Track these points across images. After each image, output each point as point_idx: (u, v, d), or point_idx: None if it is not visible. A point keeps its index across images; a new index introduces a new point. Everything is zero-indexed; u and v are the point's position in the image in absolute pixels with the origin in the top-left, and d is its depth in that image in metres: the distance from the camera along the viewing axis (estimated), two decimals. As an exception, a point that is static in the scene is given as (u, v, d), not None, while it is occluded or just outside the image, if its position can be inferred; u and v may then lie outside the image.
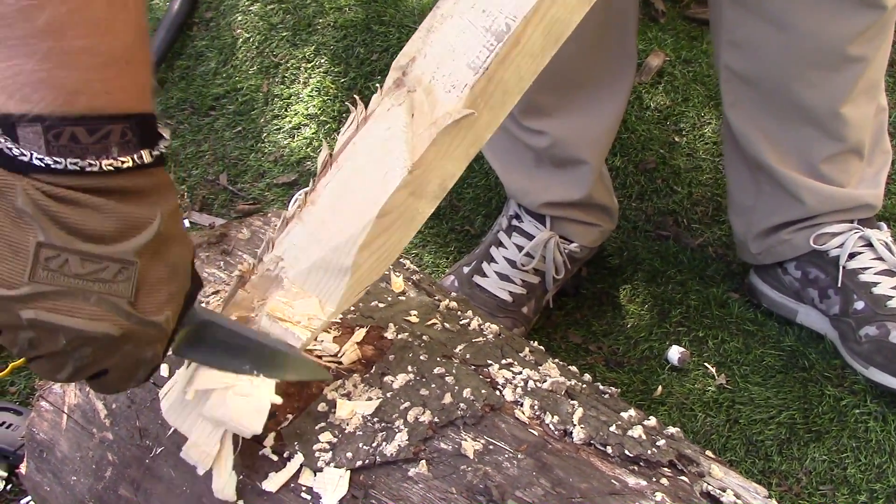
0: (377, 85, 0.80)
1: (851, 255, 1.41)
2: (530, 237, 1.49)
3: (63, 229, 0.63)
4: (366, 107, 0.78)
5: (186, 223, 1.02)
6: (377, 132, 0.76)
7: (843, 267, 1.41)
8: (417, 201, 0.78)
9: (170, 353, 0.74)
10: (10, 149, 0.62)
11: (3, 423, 1.32)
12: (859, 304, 1.40)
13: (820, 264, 1.44)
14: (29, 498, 1.25)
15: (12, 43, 0.60)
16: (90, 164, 0.63)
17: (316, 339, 0.87)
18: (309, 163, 1.83)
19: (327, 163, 0.78)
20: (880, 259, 1.41)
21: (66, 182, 0.63)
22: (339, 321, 0.89)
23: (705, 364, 1.46)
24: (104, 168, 0.64)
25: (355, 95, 0.81)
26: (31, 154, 0.62)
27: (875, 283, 1.40)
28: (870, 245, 1.42)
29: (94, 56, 0.62)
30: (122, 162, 0.64)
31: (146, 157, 0.65)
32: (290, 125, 1.90)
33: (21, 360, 1.37)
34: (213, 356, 0.77)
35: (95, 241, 0.64)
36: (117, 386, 0.73)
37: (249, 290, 0.80)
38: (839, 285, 1.42)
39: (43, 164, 0.62)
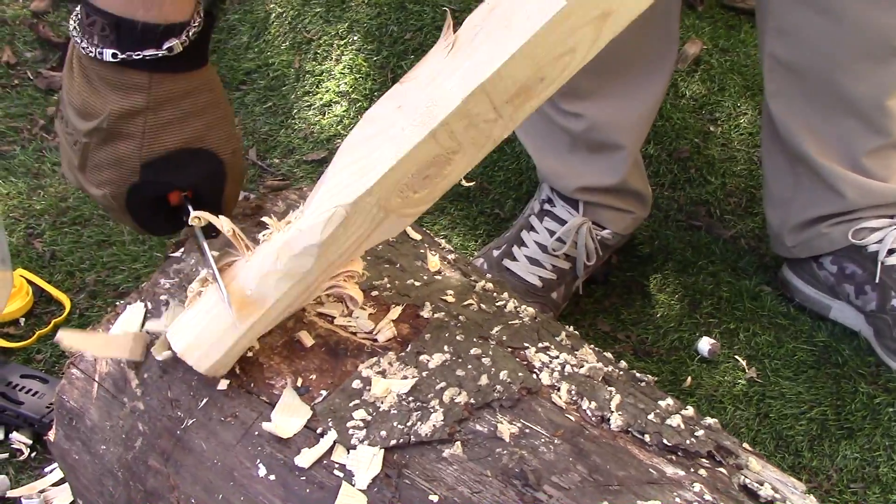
0: (414, 63, 0.78)
1: (891, 251, 1.39)
2: (562, 222, 1.47)
3: (65, 93, 0.80)
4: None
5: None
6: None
7: (882, 263, 1.39)
8: (403, 119, 0.75)
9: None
10: (78, 15, 0.78)
11: (30, 390, 1.32)
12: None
13: (857, 259, 1.42)
14: (54, 465, 1.25)
15: None
16: (83, 42, 0.76)
17: (350, 316, 0.86)
18: (339, 140, 1.82)
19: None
20: None
21: (79, 52, 0.78)
22: (375, 298, 0.88)
23: (736, 357, 1.44)
24: (83, 49, 0.76)
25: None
26: (72, 23, 0.78)
27: None
28: None
29: None
30: (88, 51, 0.76)
31: (107, 55, 0.75)
32: (321, 102, 1.88)
33: (48, 328, 1.37)
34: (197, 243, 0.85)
35: (73, 110, 0.79)
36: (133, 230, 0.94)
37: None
38: (876, 281, 1.39)
39: (69, 30, 0.78)
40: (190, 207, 0.83)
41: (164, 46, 0.75)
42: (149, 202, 0.83)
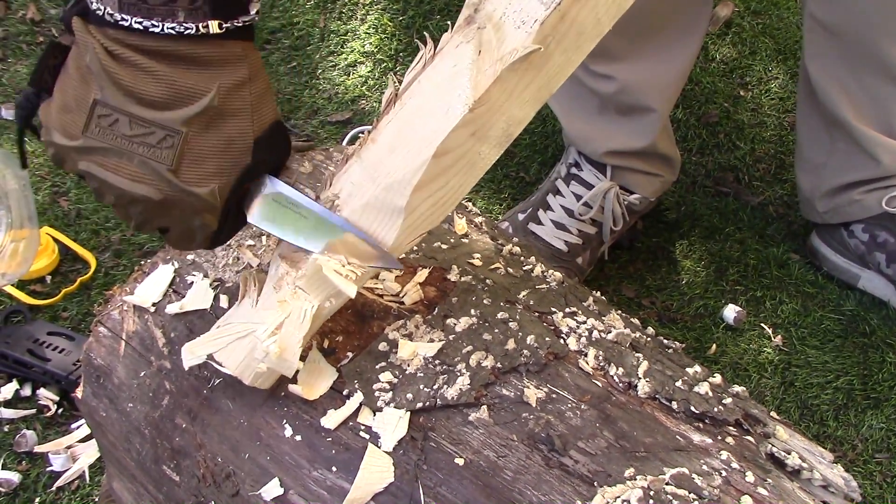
0: (440, 24, 0.76)
1: None
2: (590, 186, 1.46)
3: (119, 90, 0.66)
4: (435, 45, 0.75)
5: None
6: (443, 70, 0.73)
7: None
8: (480, 144, 0.74)
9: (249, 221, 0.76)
10: (92, 1, 0.65)
11: (56, 347, 1.33)
12: None
13: (890, 228, 1.40)
14: (81, 422, 1.27)
15: None
16: (153, 25, 0.65)
17: (377, 278, 0.86)
18: (364, 101, 1.81)
19: (391, 100, 0.75)
20: None
21: (133, 41, 0.65)
22: (401, 261, 0.87)
23: (762, 325, 1.43)
24: (166, 30, 0.65)
25: (425, 33, 0.77)
26: (105, 8, 0.65)
27: None
28: None
29: None
30: (186, 28, 0.65)
31: (213, 27, 0.66)
32: (346, 62, 1.87)
33: (74, 286, 1.38)
34: (281, 227, 0.75)
35: (147, 106, 0.67)
36: (180, 245, 0.77)
37: None
38: None
39: (112, 20, 0.65)
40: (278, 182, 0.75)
41: (252, 11, 0.68)
42: (242, 195, 0.73)
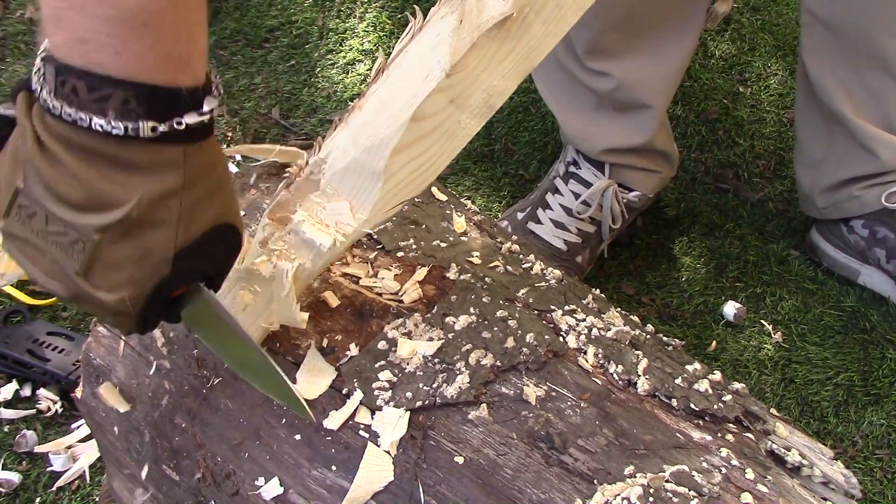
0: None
1: None
2: (588, 185, 1.46)
3: (40, 183, 0.62)
4: (424, 17, 0.75)
5: (233, 167, 0.97)
6: (427, 39, 0.73)
7: None
8: (459, 112, 0.74)
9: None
10: (33, 78, 0.61)
11: (56, 347, 1.33)
12: None
13: (890, 224, 1.40)
14: (81, 422, 1.27)
15: None
16: (81, 119, 0.59)
17: (376, 276, 0.86)
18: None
19: (380, 70, 0.76)
20: None
21: (62, 132, 0.60)
22: (400, 259, 0.87)
23: (762, 321, 1.43)
24: (94, 126, 0.59)
25: (415, 6, 0.78)
26: (42, 91, 0.60)
27: None
28: None
29: (106, 6, 0.57)
30: (113, 128, 0.59)
31: (145, 130, 0.60)
32: (345, 60, 1.87)
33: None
34: (211, 341, 0.73)
35: (64, 205, 0.62)
36: (115, 329, 0.73)
37: (293, 191, 0.78)
38: None
39: (48, 104, 0.60)
40: (206, 289, 0.70)
41: (205, 109, 0.62)
42: (165, 298, 0.67)
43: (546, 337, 0.80)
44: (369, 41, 1.88)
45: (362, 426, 0.75)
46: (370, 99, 0.75)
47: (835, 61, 1.31)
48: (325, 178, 0.76)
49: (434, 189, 0.99)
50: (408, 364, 0.78)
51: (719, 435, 0.77)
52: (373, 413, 0.75)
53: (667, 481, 0.70)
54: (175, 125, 0.61)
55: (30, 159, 0.62)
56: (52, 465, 1.24)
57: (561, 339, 0.82)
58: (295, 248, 0.78)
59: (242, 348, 0.71)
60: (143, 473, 0.87)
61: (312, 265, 0.77)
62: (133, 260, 0.64)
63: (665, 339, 0.90)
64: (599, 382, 0.79)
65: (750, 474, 0.73)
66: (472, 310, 0.82)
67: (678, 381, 0.80)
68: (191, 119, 0.61)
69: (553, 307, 0.85)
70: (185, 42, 0.60)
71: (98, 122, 0.59)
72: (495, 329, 0.80)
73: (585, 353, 0.81)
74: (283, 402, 0.73)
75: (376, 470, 0.73)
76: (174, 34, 0.59)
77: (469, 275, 0.86)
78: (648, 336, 0.88)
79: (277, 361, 0.80)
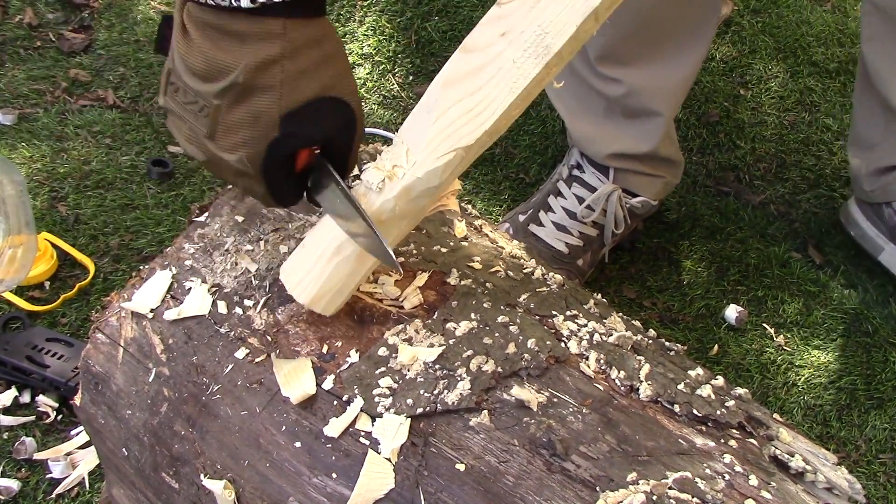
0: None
1: None
2: (592, 189, 1.45)
3: (181, 61, 0.73)
4: None
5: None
6: None
7: None
8: (512, 49, 0.70)
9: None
10: None
11: (55, 353, 1.32)
12: None
13: None
14: (80, 428, 1.26)
15: None
16: None
17: (376, 282, 0.85)
18: (363, 104, 1.79)
19: None
20: None
21: (196, 13, 0.71)
22: (401, 265, 0.87)
23: (763, 325, 1.42)
24: (209, 2, 0.69)
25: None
26: None
27: None
28: None
29: None
30: (220, 1, 0.68)
31: (244, 1, 0.68)
32: (344, 65, 1.86)
33: (72, 291, 1.37)
34: (328, 207, 0.79)
35: (195, 77, 0.73)
36: (257, 198, 0.81)
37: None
38: None
39: None
40: (325, 162, 0.79)
41: None
42: (284, 162, 0.76)
43: (548, 342, 0.80)
44: (369, 45, 1.87)
45: (363, 433, 0.74)
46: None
47: (892, 49, 1.33)
48: (399, 129, 0.77)
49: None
50: (408, 370, 0.77)
51: (722, 441, 0.77)
52: (373, 420, 0.75)
53: (670, 488, 0.69)
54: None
55: (175, 43, 0.73)
56: (51, 472, 1.23)
57: (563, 344, 0.81)
58: (360, 195, 0.77)
59: (357, 222, 0.77)
60: (142, 481, 0.87)
61: (370, 209, 0.76)
62: (246, 122, 0.73)
63: (667, 344, 0.89)
64: (601, 388, 0.78)
65: (753, 480, 0.72)
66: (472, 315, 0.81)
67: (681, 386, 0.80)
68: None
69: (554, 312, 0.85)
70: None
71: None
72: (496, 335, 0.80)
73: (587, 358, 0.80)
74: (384, 262, 0.79)
75: (377, 477, 0.72)
76: None
77: (470, 280, 0.86)
78: (650, 341, 0.87)
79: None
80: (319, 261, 0.78)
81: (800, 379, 1.35)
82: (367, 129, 1.73)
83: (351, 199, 0.77)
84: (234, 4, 0.69)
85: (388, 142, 1.70)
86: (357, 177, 0.83)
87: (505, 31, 0.71)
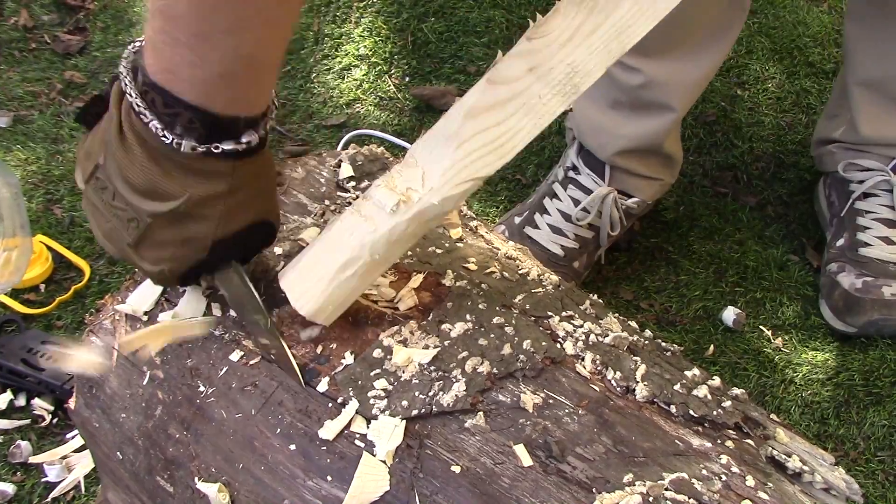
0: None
1: (865, 195, 1.45)
2: (587, 191, 1.44)
3: (114, 165, 0.74)
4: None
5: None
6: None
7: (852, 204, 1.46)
8: (540, 85, 0.70)
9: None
10: (121, 72, 0.72)
11: (51, 357, 1.32)
12: (840, 241, 1.44)
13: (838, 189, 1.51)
14: (76, 432, 1.25)
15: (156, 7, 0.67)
16: (155, 127, 0.71)
17: (373, 285, 0.85)
18: (359, 105, 1.80)
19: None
20: (891, 207, 1.43)
21: (139, 127, 0.71)
22: (396, 266, 0.86)
23: (761, 327, 1.42)
24: (158, 134, 0.71)
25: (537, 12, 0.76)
26: (129, 88, 0.71)
27: (866, 228, 1.43)
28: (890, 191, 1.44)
29: (195, 64, 0.68)
30: (164, 138, 0.71)
31: (185, 147, 0.71)
32: (341, 66, 1.86)
33: (68, 294, 1.37)
34: (230, 292, 0.82)
35: (129, 188, 0.74)
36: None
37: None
38: (842, 215, 1.47)
39: (132, 102, 0.71)
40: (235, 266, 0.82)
41: (244, 140, 0.73)
42: (201, 273, 0.81)
43: (543, 343, 0.79)
44: (365, 46, 1.87)
45: (358, 435, 0.74)
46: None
47: (871, 27, 1.39)
48: (412, 149, 0.75)
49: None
50: (403, 372, 0.77)
51: (719, 441, 0.76)
52: (368, 422, 0.75)
53: (666, 489, 0.69)
54: (228, 147, 0.72)
55: (111, 143, 0.74)
56: (46, 476, 1.22)
57: (558, 345, 0.81)
58: (368, 213, 0.76)
59: (256, 312, 0.81)
60: (137, 485, 0.86)
61: (376, 230, 0.75)
62: (176, 243, 0.76)
63: (663, 344, 0.89)
64: (597, 389, 0.78)
65: (750, 481, 0.72)
66: (468, 317, 0.81)
67: (677, 387, 0.79)
68: (246, 138, 0.73)
69: (550, 313, 0.84)
70: (257, 93, 0.73)
71: (159, 132, 0.71)
72: (492, 336, 0.79)
73: (583, 359, 0.80)
74: (281, 366, 0.80)
75: (372, 480, 0.72)
76: (248, 87, 0.71)
77: (465, 281, 0.86)
78: (647, 342, 0.87)
79: (272, 370, 0.80)
80: (324, 277, 0.78)
81: (797, 376, 1.34)
82: (362, 131, 1.73)
83: (257, 302, 0.81)
84: (176, 147, 0.71)
85: (383, 143, 1.70)
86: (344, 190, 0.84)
87: (533, 67, 0.71)
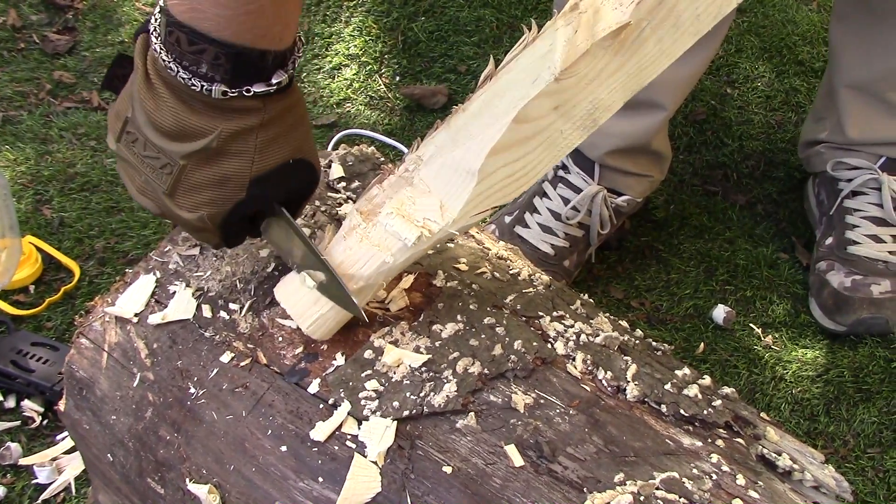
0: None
1: (854, 193, 1.46)
2: (577, 190, 1.45)
3: (143, 114, 0.73)
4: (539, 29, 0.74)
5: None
6: (540, 48, 0.72)
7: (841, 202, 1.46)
8: (563, 121, 0.73)
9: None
10: (151, 24, 0.72)
11: (40, 358, 1.31)
12: (829, 239, 1.45)
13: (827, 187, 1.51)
14: (65, 434, 1.25)
15: None
16: (182, 78, 0.70)
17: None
18: (349, 104, 1.79)
19: (488, 76, 0.75)
20: (879, 205, 1.43)
21: (165, 73, 0.71)
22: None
23: (751, 325, 1.42)
24: (182, 77, 0.70)
25: (532, 20, 0.76)
26: (154, 35, 0.71)
27: (855, 226, 1.43)
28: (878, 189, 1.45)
29: None
30: (191, 82, 0.70)
31: (216, 91, 0.70)
32: (331, 65, 1.86)
33: (58, 295, 1.36)
34: (281, 247, 0.80)
35: (159, 134, 0.73)
36: (205, 243, 0.85)
37: (385, 187, 0.78)
38: (831, 213, 1.48)
39: (157, 49, 0.71)
40: (284, 211, 0.80)
41: (274, 81, 0.72)
42: (244, 218, 0.78)
43: (534, 344, 0.80)
44: (355, 45, 1.87)
45: (349, 437, 0.74)
46: (474, 102, 0.75)
47: (857, 29, 1.39)
48: (420, 174, 0.76)
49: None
50: (394, 373, 0.77)
51: (709, 440, 0.77)
52: (359, 423, 0.74)
53: (657, 488, 0.69)
54: (259, 90, 0.71)
55: (137, 93, 0.73)
56: (37, 478, 1.22)
57: (549, 345, 0.81)
58: (380, 242, 0.77)
59: (311, 262, 0.78)
60: (128, 486, 0.86)
61: (394, 260, 0.76)
62: (212, 183, 0.74)
63: (654, 343, 0.89)
64: (588, 389, 0.78)
65: (741, 480, 0.72)
66: (459, 317, 0.81)
67: (667, 386, 0.80)
68: (276, 79, 0.72)
69: (541, 313, 0.84)
70: (282, 24, 0.70)
71: (181, 73, 0.70)
72: (483, 336, 0.79)
73: (574, 359, 0.80)
74: (343, 307, 0.78)
75: (363, 481, 0.72)
76: (273, 17, 0.69)
77: (456, 282, 0.86)
78: (637, 341, 0.87)
79: (262, 372, 0.80)
80: (328, 301, 0.79)
81: (787, 373, 1.35)
82: (352, 131, 1.72)
83: (312, 247, 0.78)
84: (213, 86, 0.70)
85: (373, 142, 1.69)
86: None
87: (558, 105, 0.73)
